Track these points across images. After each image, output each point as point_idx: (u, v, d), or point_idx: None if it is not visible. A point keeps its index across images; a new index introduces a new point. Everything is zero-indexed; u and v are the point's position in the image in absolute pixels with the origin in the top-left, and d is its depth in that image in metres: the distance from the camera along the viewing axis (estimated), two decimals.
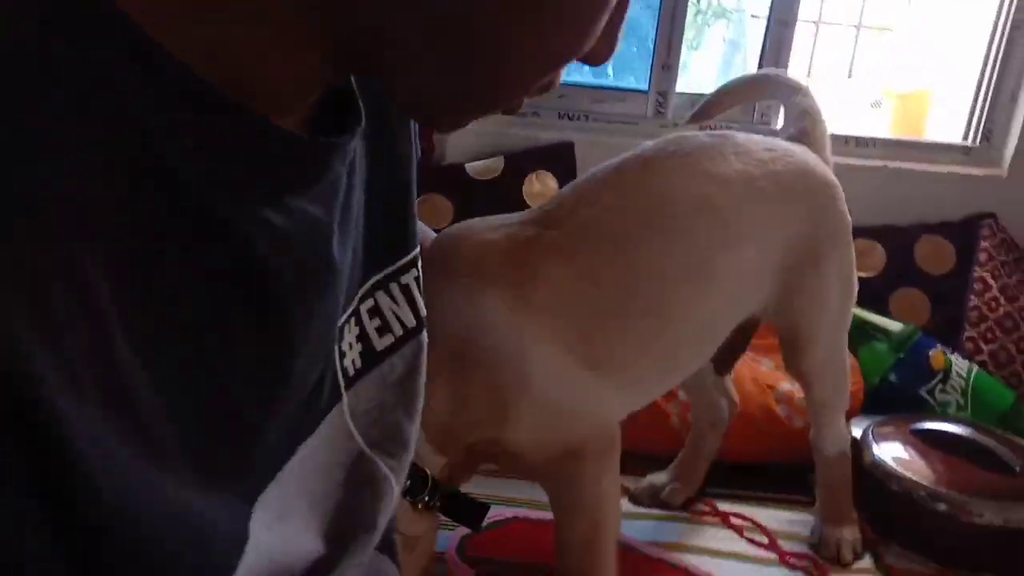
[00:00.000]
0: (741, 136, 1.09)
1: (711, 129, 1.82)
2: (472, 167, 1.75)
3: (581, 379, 0.91)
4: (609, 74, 1.98)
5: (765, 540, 1.24)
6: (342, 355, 0.51)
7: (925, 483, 1.22)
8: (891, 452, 1.29)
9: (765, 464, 1.43)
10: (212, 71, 0.34)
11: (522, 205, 1.74)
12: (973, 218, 1.76)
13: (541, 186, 1.77)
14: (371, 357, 0.56)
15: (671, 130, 1.83)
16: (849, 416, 1.43)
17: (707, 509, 1.31)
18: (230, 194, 0.36)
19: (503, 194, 1.74)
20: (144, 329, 0.32)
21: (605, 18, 0.40)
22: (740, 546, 1.22)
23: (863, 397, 1.50)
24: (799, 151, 1.12)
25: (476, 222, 1.00)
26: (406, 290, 0.59)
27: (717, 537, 1.24)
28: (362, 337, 0.55)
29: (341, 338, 0.51)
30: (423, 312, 0.62)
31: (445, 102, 0.42)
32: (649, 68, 1.84)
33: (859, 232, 1.73)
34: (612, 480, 0.96)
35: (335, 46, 0.39)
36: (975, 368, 1.51)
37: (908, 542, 1.23)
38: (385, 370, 0.57)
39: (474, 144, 1.79)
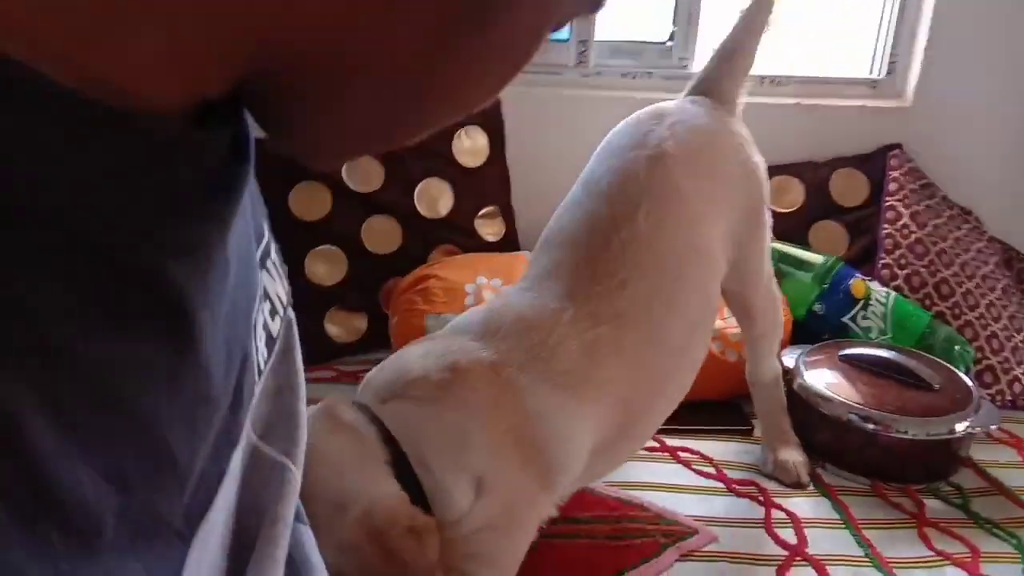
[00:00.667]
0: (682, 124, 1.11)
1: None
2: None
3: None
4: None
5: (712, 471, 1.31)
6: (257, 351, 0.47)
7: (854, 404, 1.30)
8: (821, 378, 1.37)
9: (704, 400, 1.50)
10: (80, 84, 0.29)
11: (452, 163, 1.74)
12: (882, 148, 1.85)
13: (470, 142, 1.77)
14: (271, 345, 0.52)
15: (593, 79, 1.85)
16: (781, 347, 1.51)
17: (656, 445, 1.37)
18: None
19: (433, 152, 1.73)
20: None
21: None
22: (690, 479, 1.29)
23: (791, 328, 1.58)
24: (711, 121, 1.15)
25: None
26: (274, 264, 0.55)
27: (668, 472, 1.30)
28: (265, 326, 0.51)
29: (256, 332, 0.47)
30: (287, 282, 0.57)
31: (343, 143, 0.37)
32: None
33: (779, 169, 1.80)
34: None
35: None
36: (893, 294, 1.61)
37: (841, 462, 1.32)
38: (272, 356, 0.53)
39: None
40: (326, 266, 1.68)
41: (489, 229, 1.78)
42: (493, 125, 1.78)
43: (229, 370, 0.40)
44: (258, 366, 0.49)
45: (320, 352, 1.64)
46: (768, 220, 1.21)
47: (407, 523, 0.82)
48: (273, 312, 0.52)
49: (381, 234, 1.70)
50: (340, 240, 1.68)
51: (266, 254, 0.53)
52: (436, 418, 0.90)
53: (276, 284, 0.54)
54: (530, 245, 1.80)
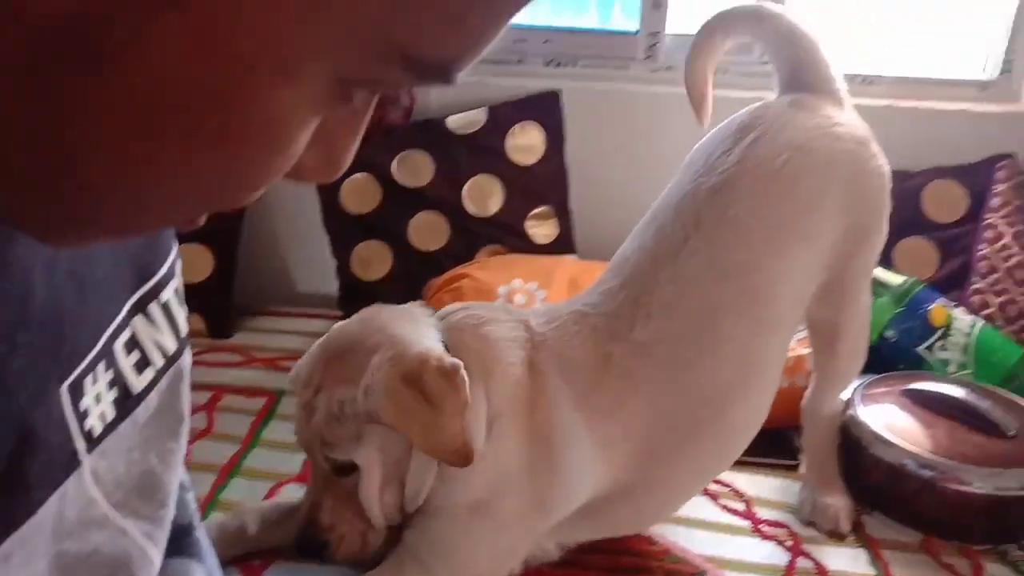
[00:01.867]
0: (762, 140, 0.97)
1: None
2: (453, 120, 1.68)
3: None
4: (595, 15, 1.88)
5: (741, 507, 1.19)
6: (83, 415, 0.43)
7: (912, 448, 1.15)
8: (878, 414, 1.22)
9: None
10: None
11: (505, 160, 1.68)
12: (989, 159, 1.64)
13: (526, 139, 1.70)
14: (128, 402, 0.47)
15: (663, 74, 1.74)
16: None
17: None
18: None
19: (485, 148, 1.68)
20: None
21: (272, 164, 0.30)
22: (714, 514, 1.17)
23: None
24: (816, 122, 1.00)
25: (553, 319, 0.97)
26: (166, 308, 0.50)
27: (690, 504, 1.18)
28: (117, 381, 0.46)
29: (80, 395, 0.42)
30: (184, 329, 0.52)
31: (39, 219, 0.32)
32: (639, 7, 1.73)
33: None
34: None
35: None
36: (980, 323, 1.42)
37: (892, 511, 1.17)
38: (139, 413, 0.48)
39: (455, 96, 1.72)
40: (371, 260, 1.66)
41: (541, 230, 1.71)
42: (551, 120, 1.71)
43: None
44: (86, 432, 0.43)
45: None
46: (882, 237, 1.05)
47: (437, 362, 0.84)
48: (142, 364, 0.48)
49: (428, 230, 1.67)
50: (387, 235, 1.66)
51: (150, 297, 0.49)
52: (482, 328, 0.92)
53: (160, 333, 0.50)
54: (587, 249, 1.72)
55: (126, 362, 0.47)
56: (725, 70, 1.73)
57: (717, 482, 1.24)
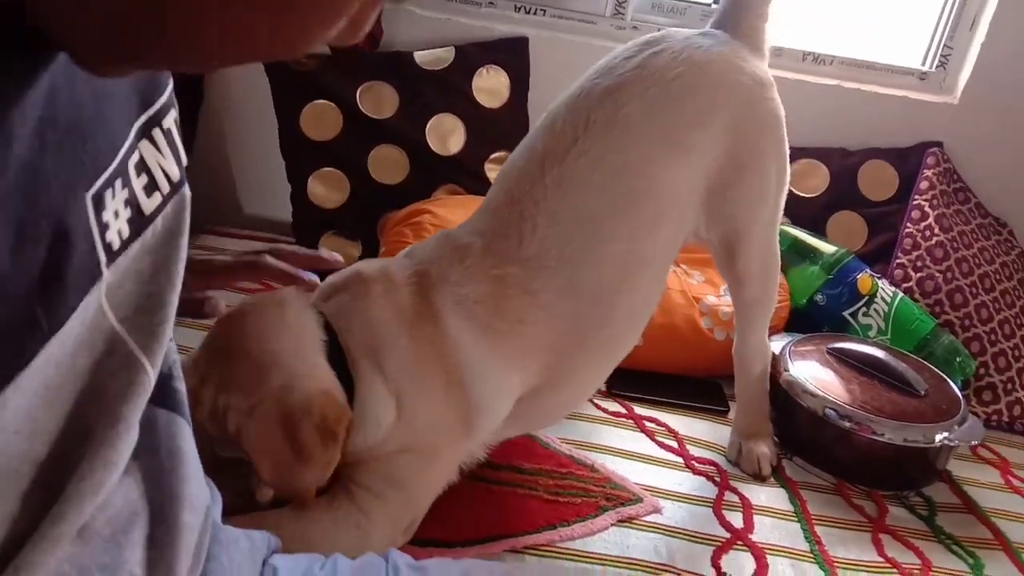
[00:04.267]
0: (664, 53, 1.01)
1: None
2: (420, 56, 1.69)
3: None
4: None
5: (675, 445, 1.27)
6: (104, 227, 0.45)
7: (833, 399, 1.25)
8: (806, 369, 1.32)
9: (684, 375, 1.46)
10: None
11: (470, 100, 1.70)
12: (920, 145, 1.76)
13: (491, 81, 1.72)
14: (140, 222, 0.49)
15: (628, 32, 1.78)
16: (773, 333, 1.46)
17: (623, 411, 1.33)
18: None
19: (451, 87, 1.69)
20: None
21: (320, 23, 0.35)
22: (650, 449, 1.25)
23: (788, 316, 1.53)
24: (721, 51, 1.04)
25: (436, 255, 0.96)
26: (168, 135, 0.52)
27: (629, 439, 1.27)
28: (131, 200, 0.48)
29: (102, 207, 0.44)
30: (184, 160, 0.55)
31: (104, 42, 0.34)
32: None
33: (805, 152, 1.73)
34: None
35: None
36: (900, 295, 1.54)
37: (811, 456, 1.28)
38: (147, 235, 0.50)
39: (423, 32, 1.72)
40: (328, 189, 1.66)
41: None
42: (517, 67, 1.73)
43: (18, 250, 0.37)
44: (107, 244, 0.45)
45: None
46: (774, 176, 1.10)
47: (320, 418, 0.81)
48: (151, 187, 0.50)
49: (388, 163, 1.67)
50: (346, 164, 1.66)
51: (153, 123, 0.51)
52: (365, 311, 0.89)
53: (164, 158, 0.52)
54: None
55: (137, 183, 0.49)
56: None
57: (652, 421, 1.32)
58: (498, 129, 1.73)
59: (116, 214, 0.46)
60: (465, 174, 1.71)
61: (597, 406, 1.33)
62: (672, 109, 0.99)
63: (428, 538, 0.96)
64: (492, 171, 1.73)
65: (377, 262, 0.97)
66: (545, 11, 1.78)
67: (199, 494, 0.58)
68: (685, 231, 1.07)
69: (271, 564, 0.69)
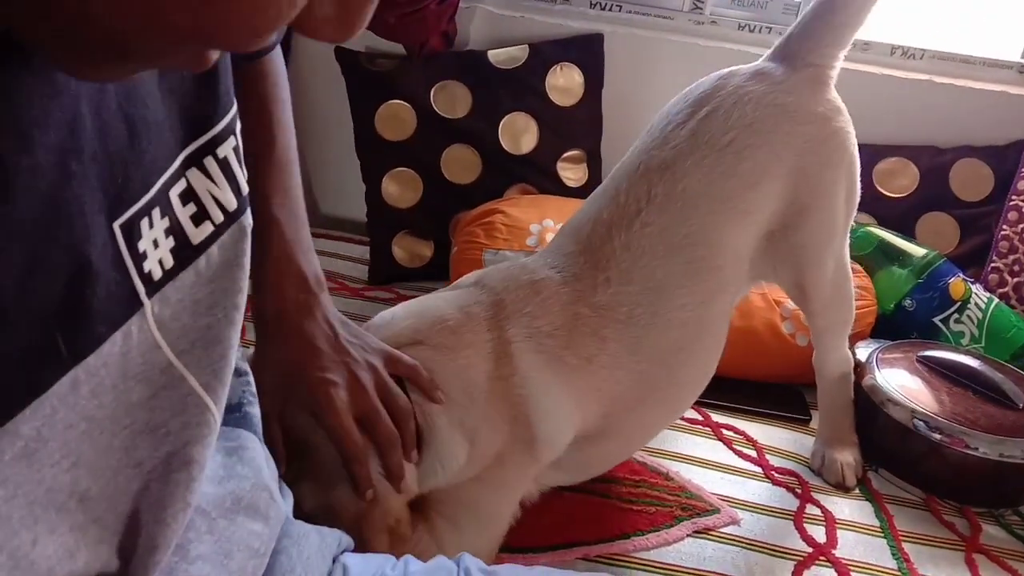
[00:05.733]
0: (716, 114, 1.01)
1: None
2: (494, 55, 1.68)
3: None
4: None
5: (754, 454, 1.23)
6: (141, 257, 0.44)
7: (923, 410, 1.19)
8: (893, 377, 1.26)
9: (766, 381, 1.42)
10: None
11: (543, 98, 1.68)
12: (1018, 142, 1.67)
13: (565, 80, 1.70)
14: (187, 252, 0.48)
15: (707, 27, 1.74)
16: (859, 339, 1.41)
17: (700, 419, 1.30)
18: None
19: (525, 85, 1.68)
20: None
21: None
22: (728, 458, 1.22)
23: (875, 321, 1.46)
24: (774, 99, 1.01)
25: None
26: (224, 164, 0.51)
27: (706, 447, 1.23)
28: (174, 230, 0.47)
29: (136, 236, 0.44)
30: (245, 189, 0.53)
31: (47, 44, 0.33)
32: None
33: (894, 150, 1.66)
34: None
35: None
36: (995, 301, 1.46)
37: (898, 469, 1.22)
38: (201, 265, 0.49)
39: (497, 30, 1.71)
40: (402, 188, 1.67)
41: (571, 173, 1.72)
42: (592, 64, 1.71)
43: (29, 279, 0.37)
44: (145, 274, 0.45)
45: (382, 272, 1.65)
46: (842, 204, 1.07)
47: (390, 522, 0.80)
48: (200, 217, 0.49)
49: (460, 163, 1.67)
50: (419, 164, 1.67)
51: (205, 152, 0.50)
52: (448, 365, 0.88)
53: (219, 188, 0.51)
54: None
55: (182, 212, 0.48)
56: (769, 29, 1.74)
57: (731, 429, 1.29)
58: (571, 127, 1.71)
59: (155, 243, 0.45)
60: (538, 173, 1.69)
61: None
62: (729, 176, 0.99)
63: (501, 544, 0.95)
64: (564, 170, 1.71)
65: (453, 300, 0.94)
66: (621, 7, 1.76)
67: (270, 505, 0.59)
68: (747, 287, 1.09)
69: (341, 562, 0.69)
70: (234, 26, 0.31)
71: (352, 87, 1.67)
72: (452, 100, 1.66)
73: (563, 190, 1.70)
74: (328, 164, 1.86)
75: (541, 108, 1.68)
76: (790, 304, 1.42)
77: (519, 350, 0.90)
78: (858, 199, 1.12)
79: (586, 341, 0.93)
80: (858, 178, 1.10)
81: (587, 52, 1.71)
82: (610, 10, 1.76)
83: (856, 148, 1.08)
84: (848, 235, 1.13)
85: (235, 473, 0.58)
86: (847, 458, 1.21)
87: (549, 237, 1.47)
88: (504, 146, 1.67)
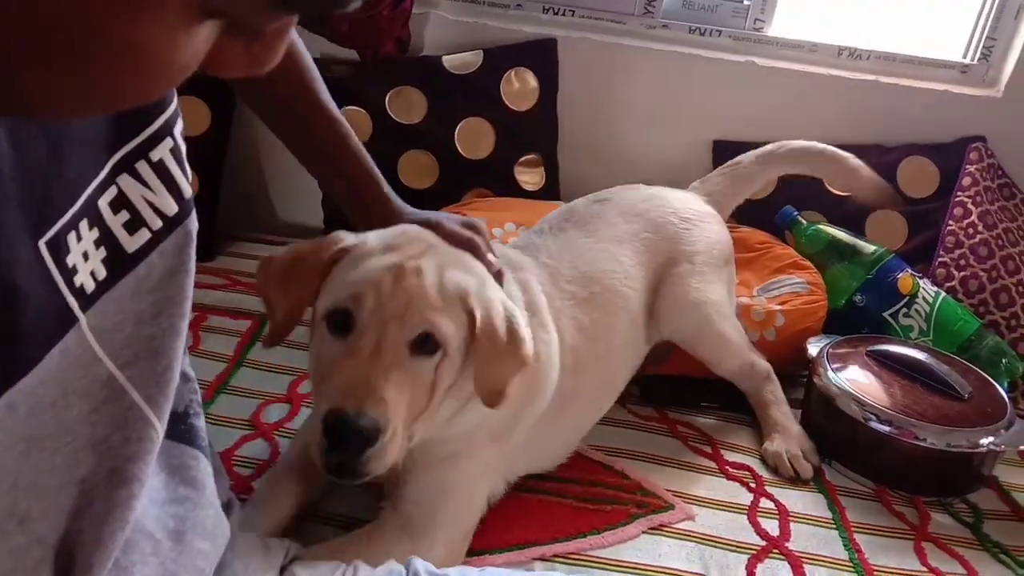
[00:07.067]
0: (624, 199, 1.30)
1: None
2: (449, 60, 1.69)
3: None
4: None
5: (709, 450, 1.25)
6: (71, 271, 0.43)
7: (873, 403, 1.22)
8: (843, 373, 1.28)
9: (721, 380, 1.43)
10: None
11: (499, 103, 1.69)
12: (962, 140, 1.71)
13: (520, 84, 1.71)
14: (121, 262, 0.47)
15: (659, 31, 1.76)
16: (810, 335, 1.43)
17: (655, 415, 1.31)
18: None
19: (480, 90, 1.69)
20: None
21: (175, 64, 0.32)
22: (683, 455, 1.23)
23: (826, 316, 1.49)
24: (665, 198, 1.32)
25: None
26: (160, 168, 0.50)
27: (660, 444, 1.24)
28: (105, 240, 0.46)
29: (63, 251, 0.43)
30: (187, 193, 0.52)
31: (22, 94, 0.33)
32: None
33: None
34: None
35: None
36: (942, 295, 1.49)
37: (850, 461, 1.24)
38: (141, 273, 0.48)
39: (451, 36, 1.72)
40: None
41: (528, 178, 1.73)
42: (546, 69, 1.72)
43: None
44: (76, 288, 0.44)
45: None
46: (711, 280, 1.25)
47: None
48: (135, 224, 0.48)
49: (417, 168, 1.67)
50: None
51: (136, 156, 0.49)
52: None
53: (154, 192, 0.49)
54: (570, 197, 1.74)
55: (114, 221, 0.47)
56: (719, 32, 1.77)
57: (685, 425, 1.30)
58: (527, 132, 1.72)
59: (85, 256, 0.45)
60: (495, 177, 1.70)
61: (629, 410, 1.31)
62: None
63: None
64: (521, 174, 1.72)
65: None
66: (574, 12, 1.77)
67: (217, 522, 0.58)
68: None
69: (291, 571, 0.69)
70: (127, 98, 0.32)
71: None
72: (408, 106, 1.66)
73: (520, 194, 1.70)
74: (285, 171, 1.85)
75: (497, 113, 1.69)
76: (741, 300, 1.44)
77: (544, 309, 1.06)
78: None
79: (558, 303, 1.10)
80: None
81: (541, 57, 1.72)
82: (563, 15, 1.77)
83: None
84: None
85: (178, 495, 0.57)
86: (793, 448, 1.23)
87: (512, 241, 1.47)
88: (461, 151, 1.67)
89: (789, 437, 1.25)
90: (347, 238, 0.89)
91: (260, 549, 0.67)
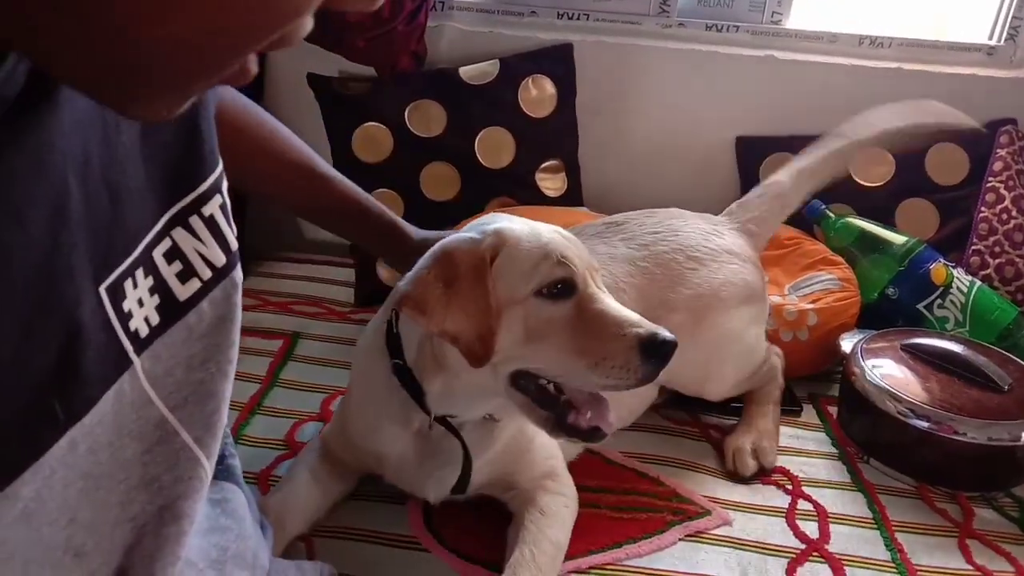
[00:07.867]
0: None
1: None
2: (465, 71, 1.69)
3: None
4: None
5: None
6: (127, 316, 0.45)
7: (910, 399, 1.20)
8: (879, 368, 1.26)
9: None
10: None
11: (517, 111, 1.69)
12: (991, 124, 1.67)
13: (538, 91, 1.71)
14: (173, 309, 0.50)
15: (675, 30, 1.74)
16: (844, 330, 1.41)
17: (688, 420, 1.30)
18: None
19: (498, 100, 1.69)
20: None
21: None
22: (716, 460, 1.22)
23: (858, 312, 1.47)
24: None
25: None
26: (211, 222, 0.52)
27: (694, 449, 1.24)
28: (159, 288, 0.49)
29: (121, 297, 0.45)
30: (234, 245, 0.54)
31: (95, 82, 0.34)
32: None
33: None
34: None
35: None
36: (978, 284, 1.46)
37: (889, 459, 1.22)
38: (192, 320, 0.51)
39: (467, 47, 1.72)
40: None
41: (550, 184, 1.73)
42: (563, 74, 1.72)
43: (25, 347, 0.38)
44: (132, 333, 0.46)
45: (368, 295, 1.65)
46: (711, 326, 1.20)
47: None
48: (187, 274, 0.51)
49: (439, 181, 1.68)
50: (398, 184, 1.67)
51: (190, 211, 0.52)
52: None
53: (205, 245, 0.52)
54: (594, 201, 1.74)
55: (167, 270, 0.49)
56: (736, 28, 1.75)
57: (717, 429, 1.29)
58: (547, 138, 1.72)
59: (140, 302, 0.47)
60: (517, 185, 1.70)
61: (662, 416, 1.30)
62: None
63: (490, 560, 0.95)
64: (543, 180, 1.72)
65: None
66: (588, 16, 1.77)
67: (256, 553, 0.60)
68: None
69: None
70: (256, 31, 0.33)
71: (327, 112, 1.68)
72: (427, 119, 1.67)
73: (543, 201, 1.70)
74: None
75: (516, 121, 1.69)
76: (773, 300, 1.42)
77: None
78: None
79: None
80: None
81: (557, 62, 1.71)
82: (577, 19, 1.77)
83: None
84: None
85: (220, 524, 0.59)
86: (743, 444, 1.21)
87: None
88: (482, 161, 1.68)
89: (747, 433, 1.23)
90: (485, 238, 0.88)
91: (294, 572, 0.68)
